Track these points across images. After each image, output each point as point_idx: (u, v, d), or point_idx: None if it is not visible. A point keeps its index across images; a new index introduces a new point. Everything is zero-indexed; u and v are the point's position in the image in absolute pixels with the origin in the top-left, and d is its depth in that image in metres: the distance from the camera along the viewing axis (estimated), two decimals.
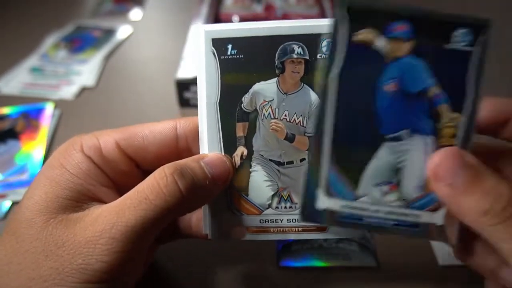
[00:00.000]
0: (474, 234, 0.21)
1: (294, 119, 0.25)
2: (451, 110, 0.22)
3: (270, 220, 0.26)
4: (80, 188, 0.23)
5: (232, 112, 0.25)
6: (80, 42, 0.64)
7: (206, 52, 0.24)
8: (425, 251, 0.34)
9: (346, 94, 0.22)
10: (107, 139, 0.25)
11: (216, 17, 0.62)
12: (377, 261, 0.33)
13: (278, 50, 0.25)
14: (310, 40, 0.25)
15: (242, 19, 0.63)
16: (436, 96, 0.22)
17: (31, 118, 0.49)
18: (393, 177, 0.23)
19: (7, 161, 0.43)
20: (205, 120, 0.25)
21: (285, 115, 0.25)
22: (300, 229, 0.26)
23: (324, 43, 0.23)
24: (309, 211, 0.23)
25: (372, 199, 0.23)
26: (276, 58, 0.25)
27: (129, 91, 0.55)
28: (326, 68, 0.22)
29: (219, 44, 0.24)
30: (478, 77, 0.22)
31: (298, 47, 0.25)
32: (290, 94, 0.25)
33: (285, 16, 0.64)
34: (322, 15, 0.62)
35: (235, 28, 0.24)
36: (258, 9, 0.65)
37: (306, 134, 0.26)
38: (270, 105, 0.25)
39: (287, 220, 0.26)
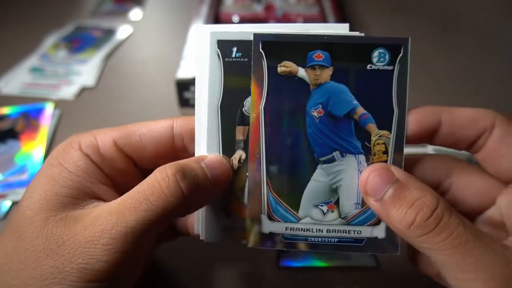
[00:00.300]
0: None
1: None
2: (380, 127, 0.24)
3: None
4: (79, 185, 0.24)
5: (233, 115, 0.24)
6: (80, 42, 0.64)
7: (211, 53, 0.24)
8: None
9: (277, 123, 0.24)
10: (105, 138, 0.25)
11: (216, 17, 0.62)
12: (377, 261, 0.33)
13: None
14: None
15: (242, 19, 0.63)
16: (362, 116, 0.24)
17: (31, 118, 0.49)
18: (331, 197, 0.24)
19: (7, 161, 0.43)
20: (205, 121, 0.24)
21: None
22: None
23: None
24: (256, 237, 0.24)
25: (313, 219, 0.24)
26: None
27: (129, 91, 0.55)
28: (254, 100, 0.23)
29: (224, 46, 0.24)
30: (401, 94, 0.23)
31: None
32: None
33: (285, 16, 0.64)
34: (322, 15, 0.62)
35: (241, 31, 0.24)
36: (258, 9, 0.65)
37: None
38: None
39: None
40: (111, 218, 0.21)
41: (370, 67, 0.23)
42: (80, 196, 0.23)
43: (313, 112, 0.24)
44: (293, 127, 0.24)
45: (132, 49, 0.64)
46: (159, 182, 0.22)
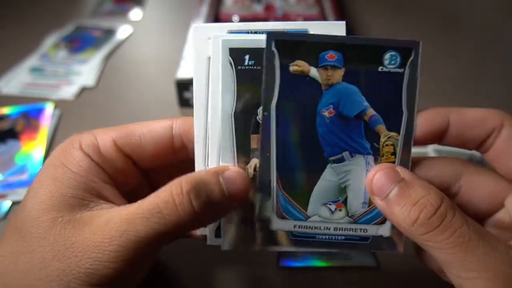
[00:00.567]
0: None
1: None
2: (388, 129, 0.24)
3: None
4: (83, 186, 0.23)
5: (247, 124, 0.24)
6: (80, 42, 0.64)
7: (223, 61, 0.24)
8: None
9: (287, 122, 0.24)
10: (105, 138, 0.25)
11: (216, 17, 0.62)
12: (377, 261, 0.33)
13: None
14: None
15: (242, 19, 0.63)
16: (372, 117, 0.24)
17: (31, 118, 0.49)
18: (339, 196, 0.24)
19: (7, 161, 0.43)
20: (219, 131, 0.24)
21: None
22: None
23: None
24: (264, 234, 0.25)
25: (321, 217, 0.25)
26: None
27: (129, 91, 0.55)
28: (265, 99, 0.23)
29: (236, 54, 0.24)
30: (411, 96, 0.24)
31: None
32: None
33: (285, 16, 0.64)
34: (322, 15, 0.62)
35: (253, 39, 0.24)
36: (258, 9, 0.65)
37: None
38: None
39: None
40: (121, 225, 0.21)
41: (381, 69, 0.23)
42: (85, 197, 0.23)
43: (324, 112, 0.24)
44: (303, 127, 0.24)
45: (132, 49, 0.64)
46: (174, 197, 0.21)
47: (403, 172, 0.22)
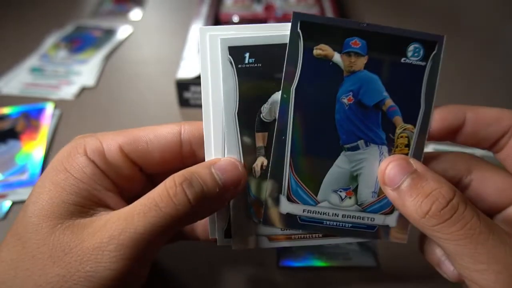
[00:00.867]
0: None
1: None
2: (405, 121, 0.24)
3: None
4: (85, 193, 0.23)
5: (251, 122, 0.24)
6: (80, 42, 0.64)
7: (223, 61, 0.23)
8: None
9: (306, 106, 0.24)
10: (111, 143, 0.25)
11: (216, 17, 0.62)
12: (377, 261, 0.33)
13: None
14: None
15: (242, 19, 0.63)
16: (391, 108, 0.24)
17: (31, 118, 0.49)
18: (350, 184, 0.25)
19: (8, 161, 0.44)
20: (223, 130, 0.24)
21: None
22: (321, 235, 0.26)
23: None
24: (273, 216, 0.25)
25: (331, 204, 0.25)
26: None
27: (129, 91, 0.55)
28: (285, 81, 0.23)
29: (236, 53, 0.23)
30: (430, 90, 0.24)
31: None
32: None
33: (285, 16, 0.64)
34: (322, 14, 0.62)
35: (252, 35, 0.23)
36: (258, 9, 0.65)
37: None
38: None
39: None
40: (119, 224, 0.21)
41: (404, 60, 0.23)
42: (87, 204, 0.23)
43: (344, 99, 0.24)
44: (322, 112, 0.24)
45: (132, 49, 0.64)
46: (168, 190, 0.21)
47: (416, 164, 0.23)
